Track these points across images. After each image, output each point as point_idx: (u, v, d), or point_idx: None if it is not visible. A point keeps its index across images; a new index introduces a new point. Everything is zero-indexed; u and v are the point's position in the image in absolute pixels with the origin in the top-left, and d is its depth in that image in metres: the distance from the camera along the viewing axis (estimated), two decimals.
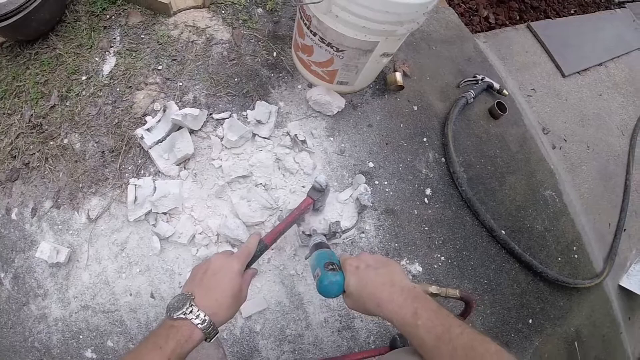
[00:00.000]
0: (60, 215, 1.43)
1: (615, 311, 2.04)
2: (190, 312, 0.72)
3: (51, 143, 1.52)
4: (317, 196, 1.23)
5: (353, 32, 1.30)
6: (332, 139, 1.65)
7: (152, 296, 1.38)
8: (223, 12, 1.79)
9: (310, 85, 1.72)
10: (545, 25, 2.68)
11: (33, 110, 1.55)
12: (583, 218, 2.09)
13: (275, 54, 1.75)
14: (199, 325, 0.71)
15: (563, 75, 2.51)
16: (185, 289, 0.79)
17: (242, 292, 0.83)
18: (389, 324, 1.48)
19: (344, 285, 0.84)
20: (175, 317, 0.71)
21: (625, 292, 2.14)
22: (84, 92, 1.58)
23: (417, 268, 1.57)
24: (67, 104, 1.57)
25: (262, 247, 0.97)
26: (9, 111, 1.57)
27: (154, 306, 1.37)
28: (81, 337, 1.33)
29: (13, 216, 1.45)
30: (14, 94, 1.59)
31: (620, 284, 2.12)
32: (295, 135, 1.54)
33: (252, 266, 0.94)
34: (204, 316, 0.72)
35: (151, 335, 0.71)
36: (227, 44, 1.72)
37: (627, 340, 2.06)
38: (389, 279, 0.79)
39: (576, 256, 1.94)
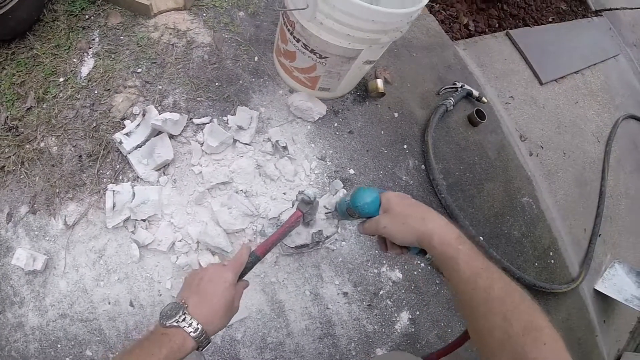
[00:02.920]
0: (37, 221, 1.40)
1: (591, 315, 2.09)
2: (183, 320, 0.71)
3: (27, 146, 1.47)
4: (305, 209, 1.22)
5: (337, 39, 1.30)
6: (313, 145, 1.66)
7: (131, 304, 1.36)
8: (204, 14, 1.77)
9: (292, 91, 1.72)
10: (524, 33, 2.73)
11: (9, 112, 1.50)
12: (559, 224, 2.14)
13: (256, 58, 1.74)
14: (192, 334, 0.71)
15: (540, 83, 2.56)
16: (179, 297, 0.79)
17: (234, 303, 0.83)
18: (369, 329, 1.49)
19: (382, 203, 0.83)
20: (167, 324, 0.71)
21: (600, 296, 2.19)
22: (61, 95, 1.54)
23: (397, 275, 1.59)
24: (43, 107, 1.52)
25: (254, 258, 0.96)
26: None
27: (134, 315, 1.35)
28: (59, 346, 1.30)
29: None
30: None
31: (596, 288, 2.17)
32: (277, 141, 1.54)
33: (243, 278, 0.94)
34: (197, 325, 0.71)
35: (143, 341, 0.71)
36: (208, 48, 1.70)
37: (603, 343, 2.12)
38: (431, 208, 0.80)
39: (552, 261, 1.98)
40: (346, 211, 0.96)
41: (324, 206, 1.38)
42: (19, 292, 1.34)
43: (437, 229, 0.73)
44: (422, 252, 0.81)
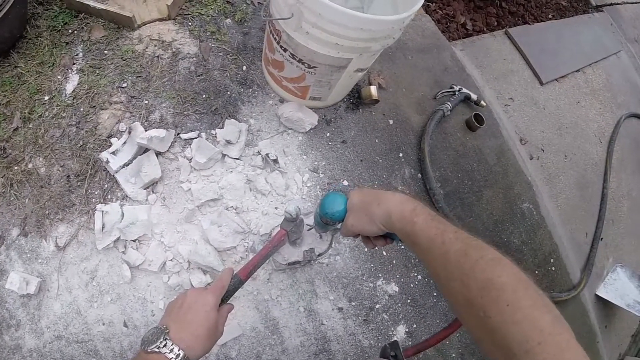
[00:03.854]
0: (29, 244, 1.39)
1: (592, 320, 2.07)
2: (165, 345, 0.70)
3: (15, 168, 1.45)
4: (289, 227, 1.19)
5: (325, 49, 1.26)
6: (305, 157, 1.62)
7: (125, 325, 1.35)
8: (190, 23, 1.73)
9: (282, 101, 1.68)
10: (523, 31, 2.67)
11: None
12: (560, 229, 2.10)
13: (245, 67, 1.71)
14: None
15: (541, 83, 2.50)
16: (161, 323, 0.78)
17: (217, 327, 0.82)
18: (365, 344, 1.47)
19: (347, 204, 0.86)
20: (149, 350, 0.70)
21: (601, 301, 2.16)
22: (47, 113, 1.52)
23: (393, 288, 1.56)
24: (30, 126, 1.50)
25: (237, 281, 0.95)
26: None
27: (128, 335, 1.34)
28: None
29: None
30: None
31: (597, 293, 2.14)
32: (267, 154, 1.51)
33: (228, 302, 0.92)
34: (178, 350, 0.70)
35: None
36: (194, 58, 1.67)
37: (604, 348, 2.09)
38: (392, 191, 0.81)
39: (553, 268, 1.95)
40: (322, 221, 0.96)
41: (307, 224, 1.35)
42: (15, 315, 1.33)
43: (393, 208, 0.73)
44: None
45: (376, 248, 1.55)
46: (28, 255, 1.37)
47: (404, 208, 0.72)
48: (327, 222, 0.94)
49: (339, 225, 0.95)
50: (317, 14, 1.13)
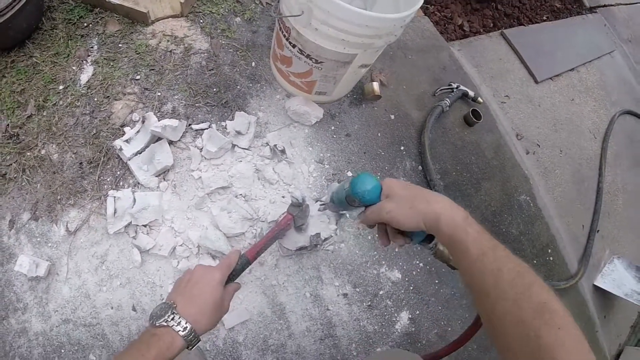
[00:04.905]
0: (39, 228, 1.41)
1: (590, 310, 2.11)
2: (172, 319, 0.73)
3: (28, 154, 1.48)
4: (295, 211, 1.24)
5: (332, 44, 1.32)
6: (311, 148, 1.67)
7: (133, 309, 1.37)
8: (201, 21, 1.79)
9: (289, 95, 1.73)
10: (518, 32, 2.75)
11: (9, 120, 1.52)
12: (557, 221, 2.15)
13: (253, 63, 1.76)
14: (181, 333, 0.72)
15: (536, 82, 2.58)
16: (168, 298, 0.81)
17: (223, 302, 0.84)
18: (370, 330, 1.51)
19: (383, 190, 0.80)
20: (157, 324, 0.72)
21: (600, 292, 2.21)
22: (61, 102, 1.56)
23: (396, 275, 1.60)
24: (44, 114, 1.54)
25: (244, 261, 0.98)
26: None
27: (136, 319, 1.36)
28: (63, 351, 1.31)
29: None
30: None
31: (595, 283, 2.19)
32: (275, 145, 1.56)
33: (235, 281, 0.95)
34: (186, 324, 0.73)
35: (133, 343, 0.72)
36: (205, 54, 1.72)
37: (603, 337, 2.13)
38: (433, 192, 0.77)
39: (551, 258, 2.00)
40: (345, 200, 0.89)
41: (320, 200, 1.38)
42: (22, 298, 1.35)
43: (444, 211, 0.69)
44: (426, 240, 0.80)
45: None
46: (38, 239, 1.39)
47: (455, 214, 0.69)
48: (352, 202, 0.86)
49: (356, 212, 0.91)
50: (326, 12, 1.19)
